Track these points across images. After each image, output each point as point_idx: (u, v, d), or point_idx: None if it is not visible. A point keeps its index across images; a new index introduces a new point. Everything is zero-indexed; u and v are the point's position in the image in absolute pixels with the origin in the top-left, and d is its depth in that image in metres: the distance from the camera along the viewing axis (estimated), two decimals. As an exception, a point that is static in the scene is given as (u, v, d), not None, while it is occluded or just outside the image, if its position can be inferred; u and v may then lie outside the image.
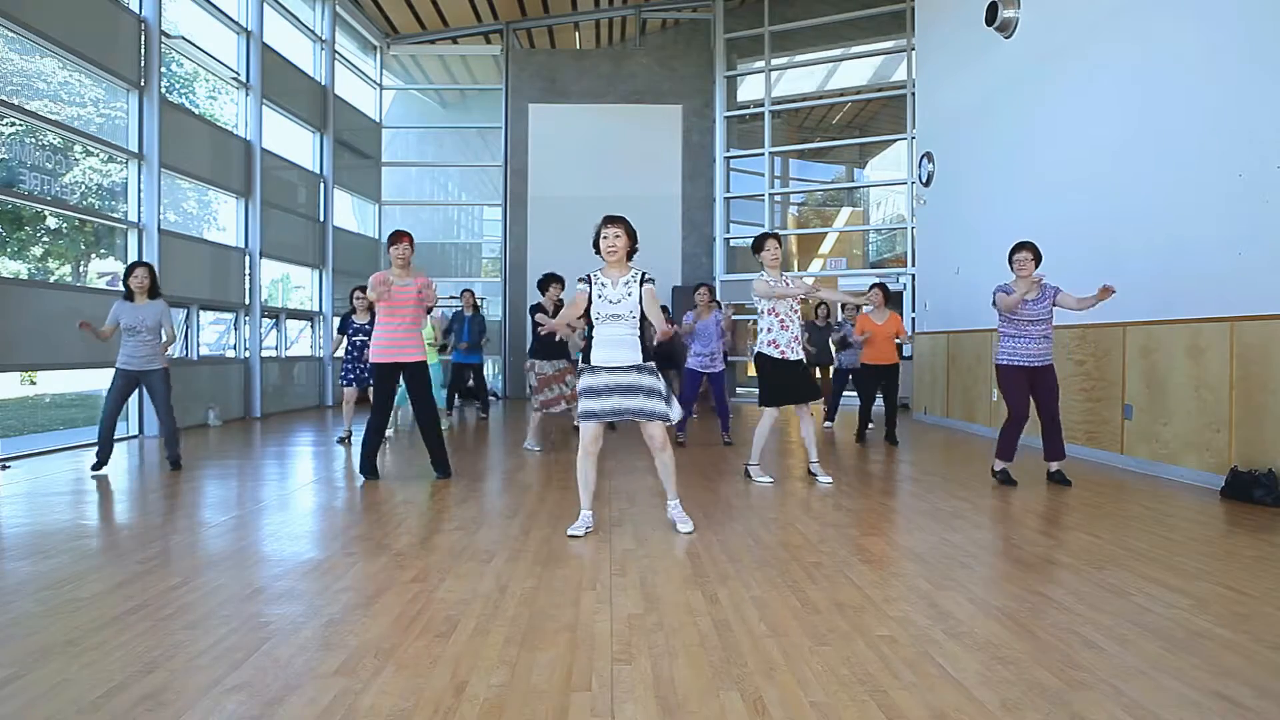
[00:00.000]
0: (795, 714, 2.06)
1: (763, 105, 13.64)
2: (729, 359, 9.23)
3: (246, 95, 10.40)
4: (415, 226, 15.20)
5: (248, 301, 10.40)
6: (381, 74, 14.61)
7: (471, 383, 10.13)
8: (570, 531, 3.95)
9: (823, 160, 15.63)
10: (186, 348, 9.25)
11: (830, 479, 5.51)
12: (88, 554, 3.66)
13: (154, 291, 6.05)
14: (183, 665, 2.35)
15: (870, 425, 8.18)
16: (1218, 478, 5.13)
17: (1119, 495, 5.11)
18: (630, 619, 2.76)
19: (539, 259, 13.19)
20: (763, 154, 13.65)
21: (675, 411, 3.93)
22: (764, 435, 5.49)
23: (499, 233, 14.42)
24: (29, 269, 7.93)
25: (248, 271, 10.40)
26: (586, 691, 2.19)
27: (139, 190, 8.36)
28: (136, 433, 8.38)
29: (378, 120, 14.47)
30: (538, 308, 7.04)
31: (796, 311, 5.42)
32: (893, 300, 13.30)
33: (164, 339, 6.07)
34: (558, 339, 6.55)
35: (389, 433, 8.75)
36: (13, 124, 7.00)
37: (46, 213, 7.76)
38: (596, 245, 3.99)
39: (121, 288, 6.08)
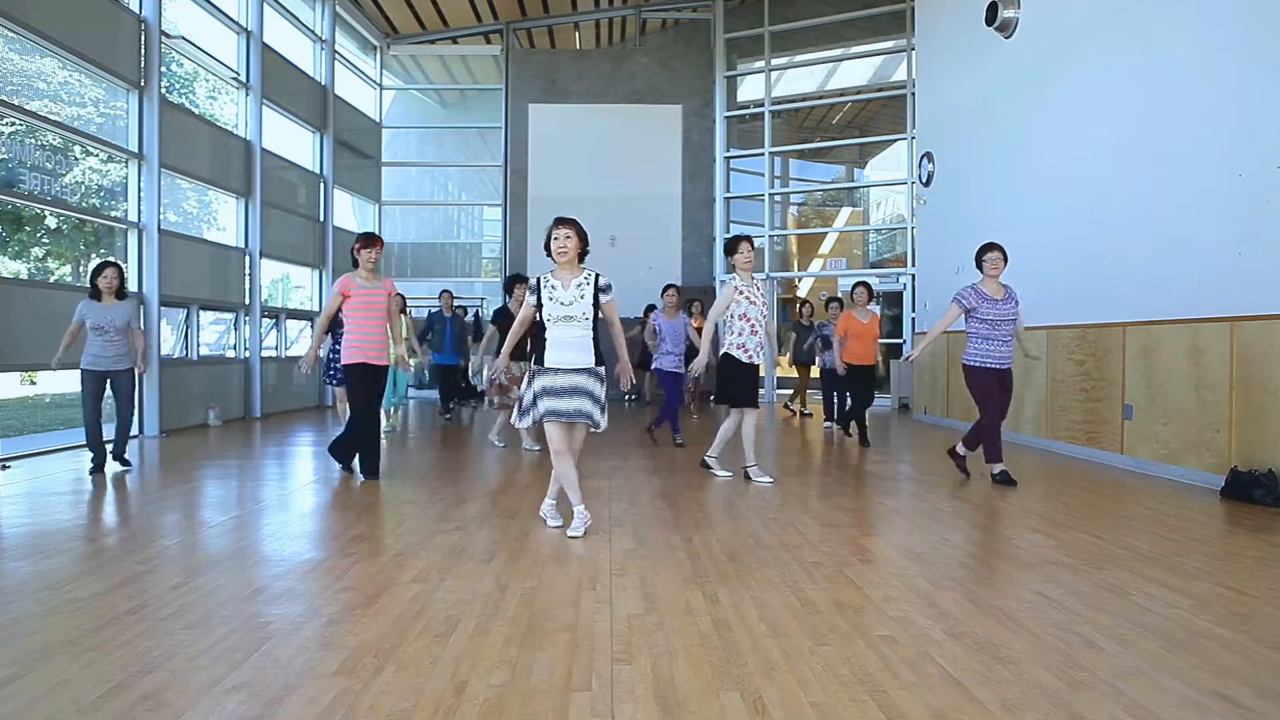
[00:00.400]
0: (795, 714, 2.06)
1: (763, 105, 13.63)
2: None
3: (246, 95, 10.40)
4: (415, 226, 15.24)
5: (248, 301, 10.40)
6: (381, 74, 14.61)
7: (465, 383, 10.18)
8: (570, 533, 3.95)
9: (823, 160, 15.64)
10: (186, 348, 9.25)
11: (771, 478, 5.53)
12: (88, 554, 3.66)
13: (122, 292, 6.04)
14: (183, 665, 2.35)
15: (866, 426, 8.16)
16: (1218, 478, 5.13)
17: (1119, 495, 5.11)
18: (630, 619, 2.75)
19: (539, 259, 13.15)
20: (763, 154, 13.65)
21: (604, 421, 3.96)
22: (729, 433, 5.59)
23: (499, 233, 14.43)
24: (29, 269, 7.93)
25: (248, 271, 10.39)
26: (586, 691, 2.19)
27: (139, 190, 8.36)
28: (136, 433, 8.38)
29: (378, 120, 14.47)
30: (502, 312, 7.06)
31: (764, 317, 5.50)
32: (902, 301, 13.34)
33: (138, 342, 6.07)
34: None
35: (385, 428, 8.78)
36: (13, 124, 7.01)
37: (46, 213, 7.76)
38: (547, 247, 4.01)
39: (110, 285, 5.98)
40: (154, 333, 8.36)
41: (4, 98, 6.72)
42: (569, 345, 3.90)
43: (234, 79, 10.23)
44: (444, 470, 6.10)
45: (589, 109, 14.06)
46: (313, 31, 12.24)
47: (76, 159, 7.94)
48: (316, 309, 12.36)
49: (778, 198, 14.51)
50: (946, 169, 9.82)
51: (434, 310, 9.98)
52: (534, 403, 3.90)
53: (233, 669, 2.32)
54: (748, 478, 5.57)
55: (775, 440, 8.16)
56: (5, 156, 6.93)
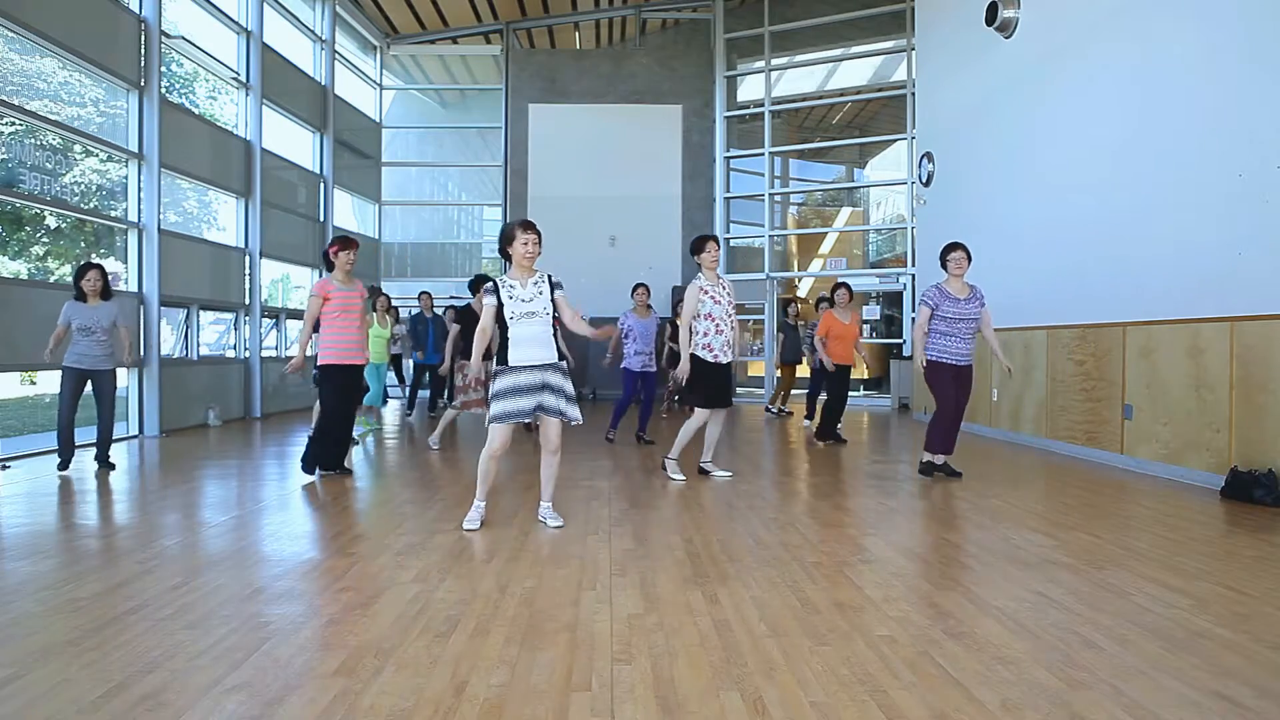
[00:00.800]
0: (795, 714, 2.06)
1: (763, 105, 13.64)
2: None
3: (246, 95, 10.40)
4: (415, 226, 15.24)
5: (248, 301, 10.40)
6: (381, 74, 14.61)
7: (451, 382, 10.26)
8: (466, 525, 4.05)
9: (823, 160, 15.63)
10: (186, 348, 9.25)
11: (728, 473, 5.64)
12: (88, 554, 3.66)
13: (106, 292, 6.05)
14: (183, 665, 2.35)
15: (841, 425, 8.14)
16: (1218, 478, 5.13)
17: (1119, 495, 5.11)
18: (630, 619, 2.75)
19: (539, 259, 13.17)
20: (763, 154, 13.65)
21: (577, 414, 4.03)
22: (690, 434, 5.57)
23: (499, 233, 14.40)
24: (29, 269, 7.93)
25: (248, 271, 10.40)
26: (586, 691, 2.19)
27: (139, 190, 8.36)
28: (136, 433, 8.38)
29: (378, 120, 14.48)
30: (466, 311, 7.06)
31: (731, 316, 5.51)
32: (902, 301, 13.34)
33: (125, 338, 6.07)
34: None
35: (381, 428, 8.79)
36: (13, 124, 7.00)
37: (46, 213, 7.76)
38: (506, 251, 4.10)
39: (94, 287, 5.98)
40: (154, 333, 8.36)
41: (4, 98, 6.72)
42: (535, 342, 3.98)
43: (234, 79, 10.23)
44: (444, 470, 6.10)
45: (589, 109, 14.06)
46: (313, 31, 12.24)
47: (76, 159, 7.94)
48: (316, 309, 12.35)
49: (778, 198, 14.50)
50: (946, 169, 9.82)
51: (415, 312, 10.10)
52: (500, 401, 3.93)
53: (233, 669, 2.32)
54: (702, 472, 5.64)
55: (772, 441, 8.16)
56: (5, 156, 6.93)
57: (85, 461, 6.20)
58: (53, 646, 2.50)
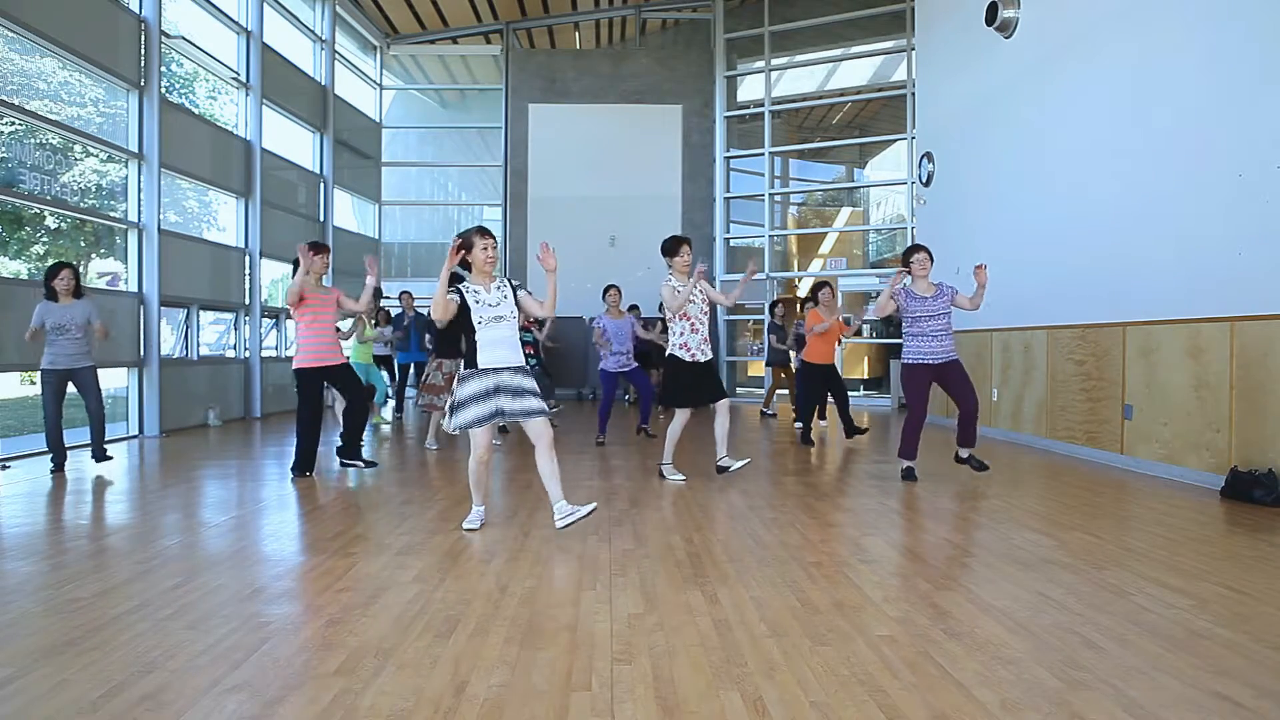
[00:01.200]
0: (795, 714, 2.05)
1: (763, 105, 13.63)
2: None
3: (246, 95, 10.40)
4: (415, 226, 15.25)
5: (248, 301, 10.40)
6: (381, 74, 14.61)
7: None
8: (466, 526, 4.08)
9: (823, 160, 15.62)
10: (186, 348, 9.25)
11: (743, 462, 5.64)
12: (88, 554, 3.66)
13: (79, 291, 6.06)
14: (183, 665, 2.35)
15: (824, 422, 8.17)
16: (1218, 478, 5.13)
17: (1119, 495, 5.11)
18: (630, 619, 2.75)
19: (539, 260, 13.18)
20: (763, 154, 13.65)
21: (537, 404, 3.99)
22: (675, 435, 5.57)
23: (499, 233, 14.42)
24: (29, 269, 7.93)
25: (248, 271, 10.40)
26: (586, 691, 2.19)
27: (139, 190, 8.36)
28: (136, 433, 8.38)
29: (378, 120, 14.47)
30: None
31: (706, 314, 5.53)
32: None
33: (98, 333, 6.06)
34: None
35: (385, 426, 8.79)
36: (13, 124, 7.00)
37: (46, 213, 7.76)
38: (467, 261, 4.06)
39: (67, 286, 5.98)
40: (154, 333, 8.36)
41: (4, 98, 6.72)
42: (503, 344, 4.00)
43: (234, 79, 10.23)
44: (444, 470, 6.10)
45: (589, 109, 14.06)
46: (313, 31, 12.24)
47: (76, 159, 7.94)
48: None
49: (778, 198, 14.50)
50: (946, 169, 9.82)
51: (398, 312, 10.13)
52: (467, 406, 3.91)
53: (233, 669, 2.32)
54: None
55: (771, 441, 8.16)
56: (5, 156, 6.93)
57: (83, 461, 6.21)
58: (53, 646, 2.50)
